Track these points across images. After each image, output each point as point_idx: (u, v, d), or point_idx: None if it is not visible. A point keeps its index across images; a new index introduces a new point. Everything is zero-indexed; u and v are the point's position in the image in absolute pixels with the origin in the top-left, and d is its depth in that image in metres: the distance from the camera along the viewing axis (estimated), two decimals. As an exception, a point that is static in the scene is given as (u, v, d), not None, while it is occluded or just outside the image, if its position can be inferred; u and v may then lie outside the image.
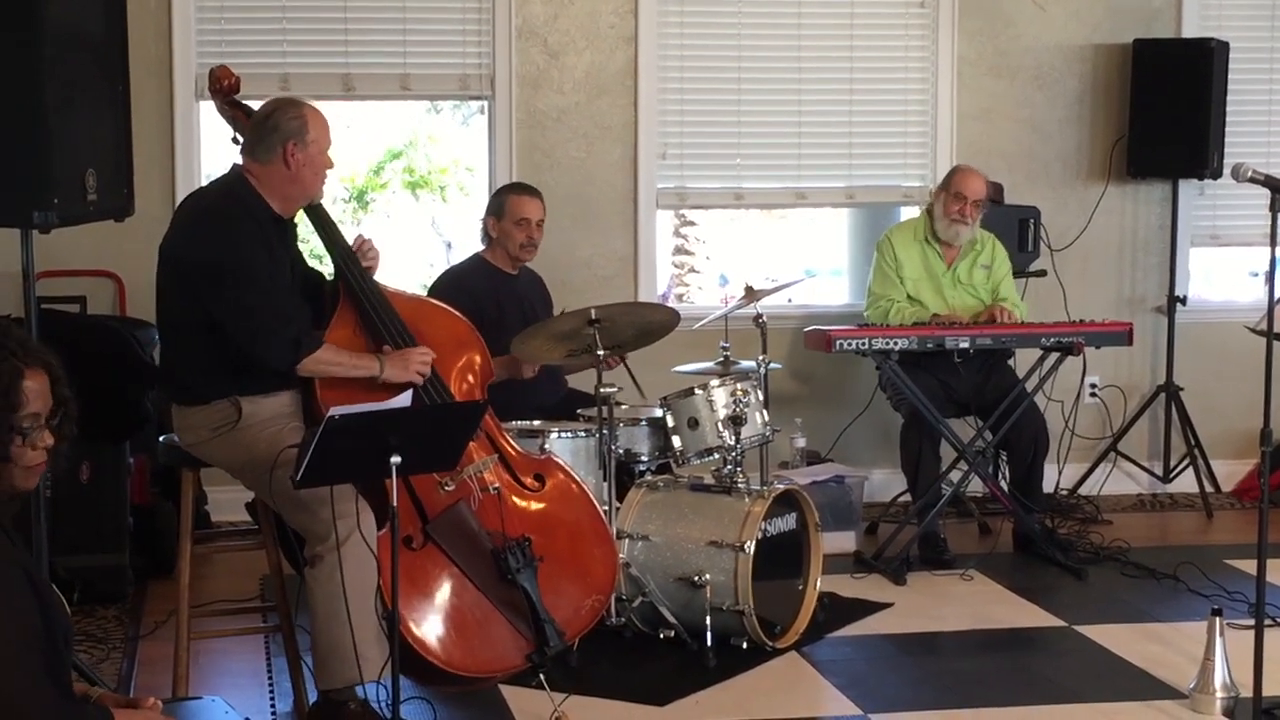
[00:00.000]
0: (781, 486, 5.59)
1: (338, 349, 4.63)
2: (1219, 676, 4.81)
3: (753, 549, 5.25)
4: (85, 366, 6.07)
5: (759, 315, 6.06)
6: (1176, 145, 7.55)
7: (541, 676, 4.68)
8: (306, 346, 4.54)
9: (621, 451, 5.63)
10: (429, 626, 4.57)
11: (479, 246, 6.33)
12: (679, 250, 12.55)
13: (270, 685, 5.12)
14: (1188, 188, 7.83)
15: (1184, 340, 7.80)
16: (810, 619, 5.57)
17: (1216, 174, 7.52)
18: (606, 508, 5.29)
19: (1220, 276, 9.37)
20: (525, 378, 5.81)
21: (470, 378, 5.00)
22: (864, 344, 6.32)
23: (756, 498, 5.41)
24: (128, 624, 5.72)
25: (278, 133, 4.64)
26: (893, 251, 6.86)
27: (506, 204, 6.18)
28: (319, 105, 4.84)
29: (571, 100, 7.38)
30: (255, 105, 4.92)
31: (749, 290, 6.14)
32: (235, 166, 4.75)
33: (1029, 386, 6.61)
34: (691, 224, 12.46)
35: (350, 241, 4.85)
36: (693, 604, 5.31)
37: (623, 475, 5.67)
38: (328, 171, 4.77)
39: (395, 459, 4.00)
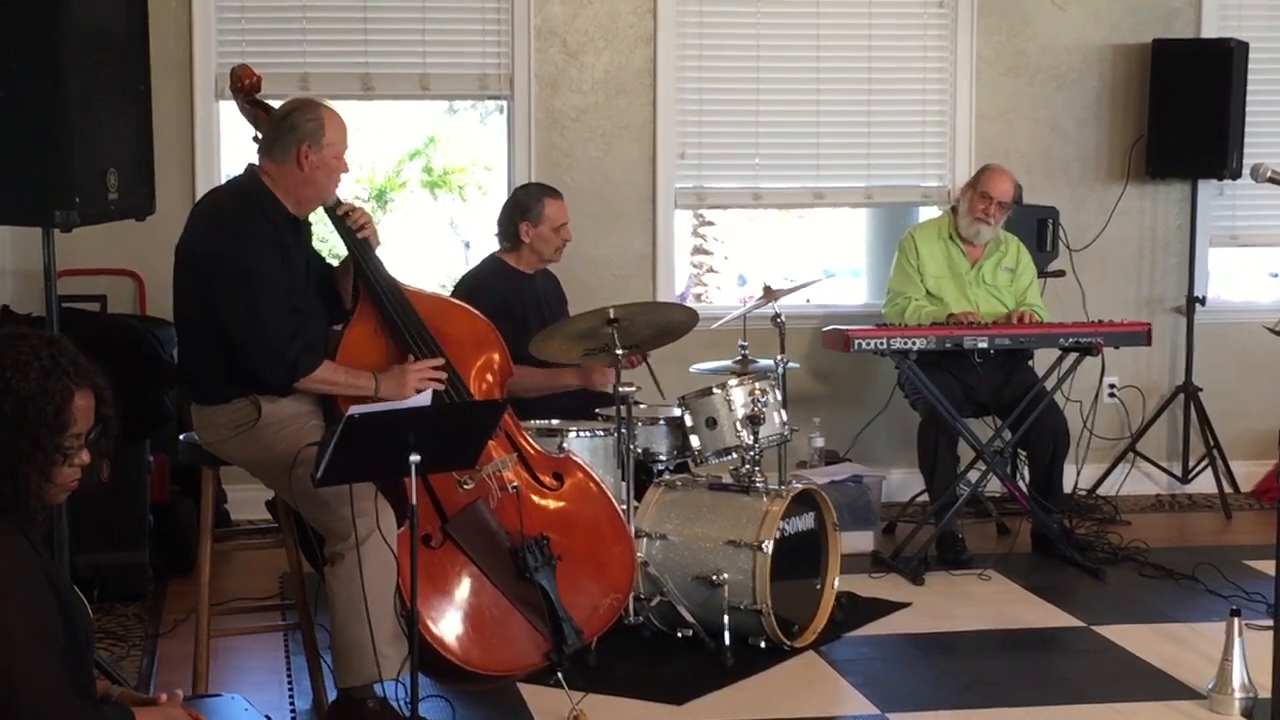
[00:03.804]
0: (799, 486, 5.59)
1: (335, 367, 4.63)
2: (1237, 677, 4.80)
3: (771, 548, 5.25)
4: (105, 365, 6.11)
5: (777, 315, 6.06)
6: (1195, 145, 7.54)
7: (559, 675, 4.69)
8: (303, 369, 4.56)
9: (640, 450, 5.64)
10: (448, 625, 4.58)
11: (495, 246, 6.31)
12: (697, 250, 12.56)
13: (289, 683, 5.13)
14: (1207, 188, 7.82)
15: (1203, 340, 7.79)
16: (828, 618, 5.57)
17: (1236, 174, 7.50)
18: (625, 507, 5.30)
19: (1240, 277, 9.35)
20: (598, 387, 5.78)
21: (489, 377, 5.00)
22: (882, 344, 6.32)
23: (775, 497, 5.41)
24: (148, 622, 5.74)
25: (294, 133, 4.65)
26: (915, 249, 6.86)
27: (545, 210, 6.14)
28: (338, 105, 4.85)
29: (590, 100, 7.39)
30: (276, 104, 4.93)
31: (767, 290, 6.14)
32: (250, 166, 4.76)
33: (1048, 386, 6.60)
34: (710, 224, 12.47)
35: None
36: (711, 603, 5.32)
37: (641, 474, 5.67)
38: (342, 175, 4.77)
39: (415, 457, 4.01)
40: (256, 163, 4.75)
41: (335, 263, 5.01)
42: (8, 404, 2.77)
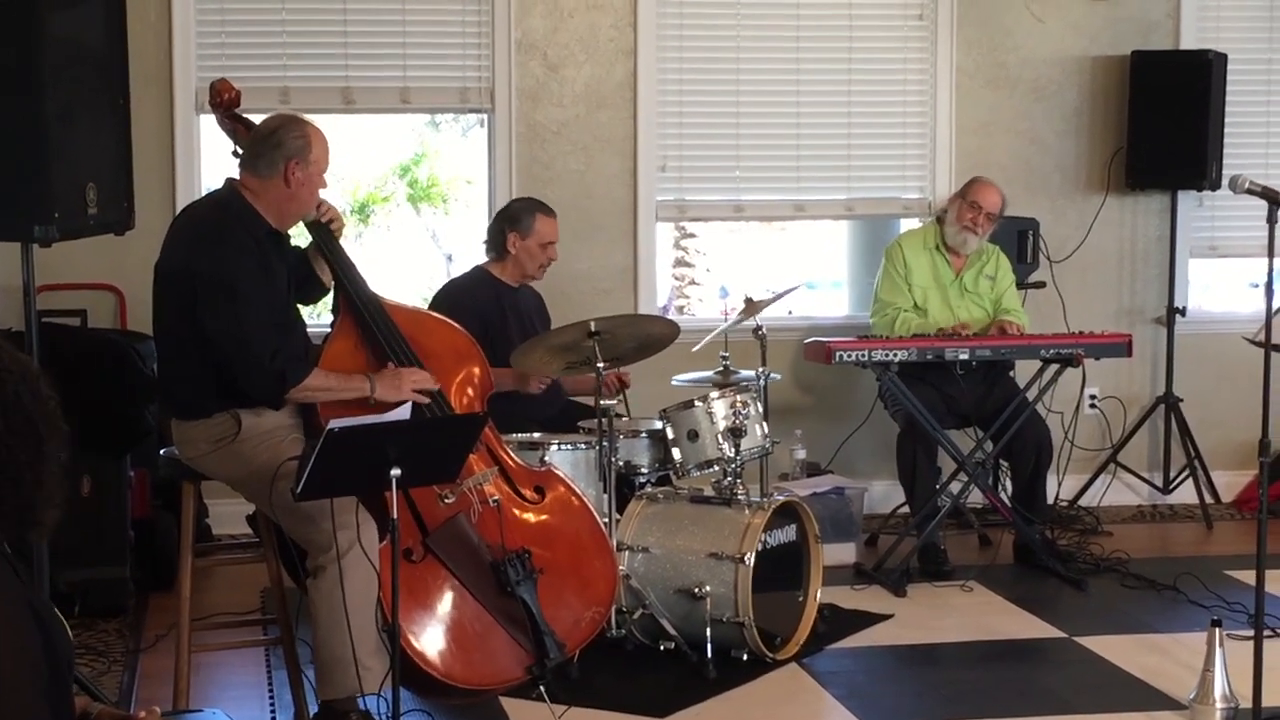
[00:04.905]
0: (781, 498, 5.59)
1: (326, 373, 4.63)
2: (1219, 687, 4.81)
3: (753, 561, 5.25)
4: (86, 380, 6.10)
5: (758, 327, 6.07)
6: (1175, 157, 7.56)
7: (542, 689, 4.69)
8: (291, 380, 4.55)
9: (621, 463, 5.63)
10: (429, 639, 4.57)
11: (479, 258, 6.32)
12: (679, 262, 12.56)
13: (271, 698, 5.12)
14: (1186, 199, 7.84)
15: (1183, 351, 7.81)
16: (810, 630, 5.57)
17: (1215, 185, 7.53)
18: (606, 520, 5.29)
19: (1220, 288, 9.37)
20: (532, 391, 5.83)
21: (470, 390, 5.01)
22: (864, 356, 6.33)
23: (756, 509, 5.41)
24: (128, 637, 5.72)
25: (280, 150, 4.64)
26: (903, 258, 6.89)
27: (535, 224, 6.16)
28: (319, 119, 4.85)
29: (571, 113, 7.39)
30: (255, 119, 4.93)
31: (749, 302, 6.15)
32: (229, 180, 4.75)
33: (1029, 397, 6.61)
34: (691, 236, 12.47)
35: (341, 245, 4.87)
36: (693, 616, 5.31)
37: (623, 487, 5.67)
38: (321, 191, 4.78)
39: (395, 471, 4.01)
40: (235, 177, 4.75)
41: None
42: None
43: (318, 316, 6.52)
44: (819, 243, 11.24)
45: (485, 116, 7.44)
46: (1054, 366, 6.55)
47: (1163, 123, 7.54)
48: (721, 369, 5.98)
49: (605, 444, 5.40)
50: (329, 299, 5.01)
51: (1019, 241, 7.45)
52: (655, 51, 7.42)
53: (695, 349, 6.31)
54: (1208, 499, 7.67)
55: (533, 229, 6.16)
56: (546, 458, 5.37)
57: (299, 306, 4.91)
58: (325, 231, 4.84)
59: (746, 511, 5.41)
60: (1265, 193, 4.60)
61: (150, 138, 6.80)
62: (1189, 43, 7.80)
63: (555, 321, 6.26)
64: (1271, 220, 4.56)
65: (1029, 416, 6.59)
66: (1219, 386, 7.90)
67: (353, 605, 4.38)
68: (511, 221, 6.21)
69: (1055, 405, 7.17)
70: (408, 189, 12.90)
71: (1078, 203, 7.86)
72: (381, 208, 12.89)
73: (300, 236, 4.97)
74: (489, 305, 6.06)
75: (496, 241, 6.22)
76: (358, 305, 4.77)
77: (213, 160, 6.95)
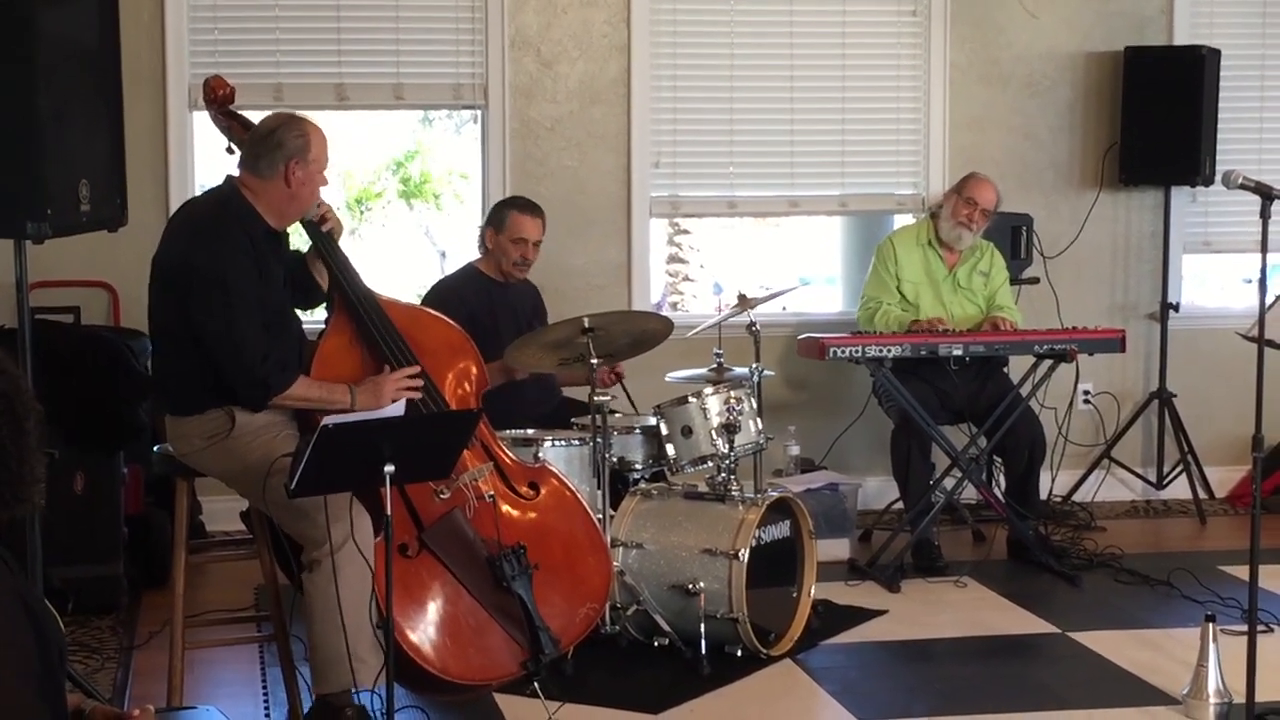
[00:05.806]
0: (775, 494, 5.59)
1: (310, 383, 4.63)
2: (1212, 682, 4.81)
3: (747, 557, 5.25)
4: (79, 376, 6.09)
5: (752, 323, 6.07)
6: (1168, 152, 7.56)
7: (536, 684, 4.69)
8: (275, 387, 4.55)
9: (615, 459, 5.63)
10: (424, 634, 4.57)
11: (474, 255, 6.34)
12: (673, 259, 12.56)
13: (265, 695, 5.12)
14: (1180, 195, 7.84)
15: (1177, 347, 7.81)
16: (804, 626, 5.57)
17: (1208, 181, 7.53)
18: (601, 516, 5.29)
19: (1214, 283, 9.39)
20: (518, 378, 5.83)
21: (465, 386, 5.01)
22: (857, 351, 6.33)
23: (750, 505, 5.41)
24: (122, 634, 5.72)
25: (281, 150, 4.63)
26: (894, 254, 6.89)
27: (508, 219, 6.18)
28: (312, 115, 4.85)
29: (565, 109, 7.39)
30: (249, 115, 4.93)
31: (742, 298, 6.15)
32: (229, 178, 4.75)
33: (1023, 393, 6.62)
34: (685, 232, 12.47)
35: (338, 243, 4.87)
36: (687, 612, 5.31)
37: (617, 483, 5.67)
38: (321, 188, 4.78)
39: (389, 468, 4.01)
40: (236, 174, 4.74)
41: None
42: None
43: (312, 313, 6.52)
44: (813, 239, 11.24)
45: (479, 113, 7.43)
46: (1047, 362, 6.56)
47: (1156, 118, 7.54)
48: (715, 365, 5.98)
49: (599, 440, 5.40)
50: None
51: (1013, 237, 7.45)
52: (649, 47, 7.42)
53: (690, 334, 6.34)
54: (1201, 494, 7.68)
55: (505, 224, 6.17)
56: (541, 454, 5.36)
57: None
58: (321, 230, 4.84)
59: (740, 507, 5.41)
60: (1258, 188, 4.61)
61: (143, 135, 6.79)
62: (1182, 38, 7.80)
63: (550, 317, 6.27)
64: (1265, 215, 4.56)
65: (1022, 412, 6.60)
66: (1212, 382, 7.91)
67: (347, 600, 4.38)
68: (491, 216, 6.27)
69: (1049, 401, 7.18)
70: (400, 185, 12.89)
71: (1071, 198, 7.87)
72: (375, 203, 12.88)
73: (297, 235, 4.97)
74: (478, 302, 6.06)
75: (480, 237, 6.26)
76: (353, 301, 4.77)
77: (206, 157, 6.93)
